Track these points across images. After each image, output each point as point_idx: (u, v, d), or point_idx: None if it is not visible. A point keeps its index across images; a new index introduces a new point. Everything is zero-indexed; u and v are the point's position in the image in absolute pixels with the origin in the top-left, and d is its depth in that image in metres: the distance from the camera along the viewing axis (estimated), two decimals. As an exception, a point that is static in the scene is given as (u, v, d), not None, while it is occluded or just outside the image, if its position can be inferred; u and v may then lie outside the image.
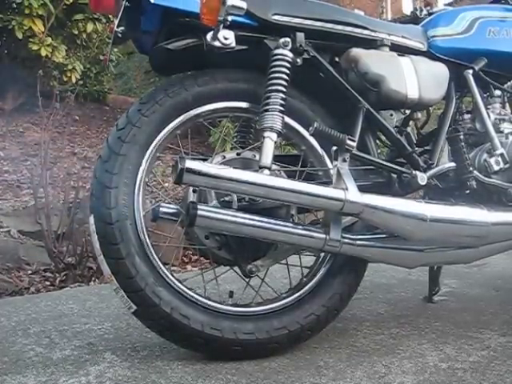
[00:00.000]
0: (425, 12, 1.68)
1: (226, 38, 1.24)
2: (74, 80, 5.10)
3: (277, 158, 1.41)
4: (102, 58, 5.47)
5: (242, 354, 1.30)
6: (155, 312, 1.24)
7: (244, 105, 1.37)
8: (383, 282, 2.10)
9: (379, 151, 1.52)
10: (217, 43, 1.24)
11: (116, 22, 1.31)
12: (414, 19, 1.68)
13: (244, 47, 1.29)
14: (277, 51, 1.32)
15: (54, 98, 3.09)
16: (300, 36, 1.34)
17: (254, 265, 1.32)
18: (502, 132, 1.52)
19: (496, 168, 1.45)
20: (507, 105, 1.62)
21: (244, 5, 1.21)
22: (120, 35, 1.33)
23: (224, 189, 1.23)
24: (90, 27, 5.06)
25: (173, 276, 1.29)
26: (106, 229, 1.22)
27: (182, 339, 1.29)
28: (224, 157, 1.36)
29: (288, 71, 1.31)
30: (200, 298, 1.29)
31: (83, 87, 5.82)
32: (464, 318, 1.63)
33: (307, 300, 1.37)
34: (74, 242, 2.51)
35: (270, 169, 1.27)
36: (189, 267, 2.80)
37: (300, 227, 1.31)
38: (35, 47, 4.67)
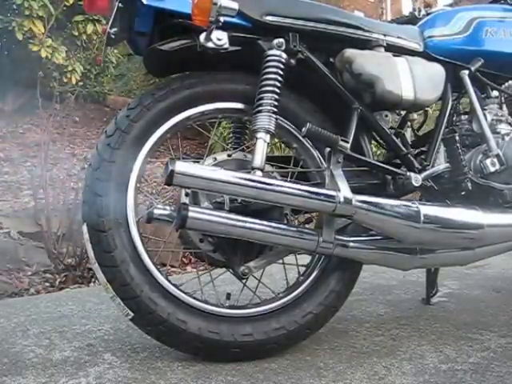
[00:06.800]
0: (423, 12, 1.68)
1: (219, 39, 1.24)
2: (74, 81, 5.11)
3: (271, 159, 1.41)
4: (100, 58, 5.47)
5: (241, 355, 1.30)
6: (152, 318, 1.24)
7: (234, 106, 1.37)
8: (383, 284, 2.10)
9: (379, 153, 1.52)
10: (210, 44, 1.24)
11: (109, 22, 1.31)
12: (411, 20, 1.68)
13: (238, 48, 1.29)
14: (270, 52, 1.31)
15: (54, 100, 3.10)
16: (294, 37, 1.34)
17: (247, 266, 1.32)
18: (498, 133, 1.52)
19: (492, 169, 1.44)
20: (504, 106, 1.61)
21: (235, 5, 1.21)
22: (113, 36, 1.33)
23: (214, 190, 1.23)
24: (90, 28, 5.06)
25: (169, 281, 1.28)
26: (99, 237, 1.22)
27: (180, 344, 1.29)
28: (215, 158, 1.35)
29: (281, 72, 1.31)
30: (197, 302, 1.29)
31: (83, 88, 5.83)
32: (464, 319, 1.63)
33: (304, 299, 1.37)
34: (74, 244, 2.51)
35: (262, 170, 1.27)
36: (188, 268, 2.80)
37: (293, 229, 1.31)
38: (35, 48, 4.68)
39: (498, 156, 1.45)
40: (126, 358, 1.33)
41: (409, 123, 1.58)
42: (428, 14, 1.66)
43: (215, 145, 2.53)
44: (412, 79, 1.41)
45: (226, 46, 1.26)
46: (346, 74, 1.41)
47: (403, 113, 1.54)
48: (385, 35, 1.47)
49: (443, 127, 1.51)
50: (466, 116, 1.59)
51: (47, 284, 2.47)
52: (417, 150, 1.55)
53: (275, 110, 1.30)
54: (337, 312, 1.41)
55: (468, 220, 1.38)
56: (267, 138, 1.29)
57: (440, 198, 1.46)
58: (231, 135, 1.56)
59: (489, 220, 1.39)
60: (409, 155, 1.46)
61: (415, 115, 1.58)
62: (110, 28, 1.31)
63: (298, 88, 1.40)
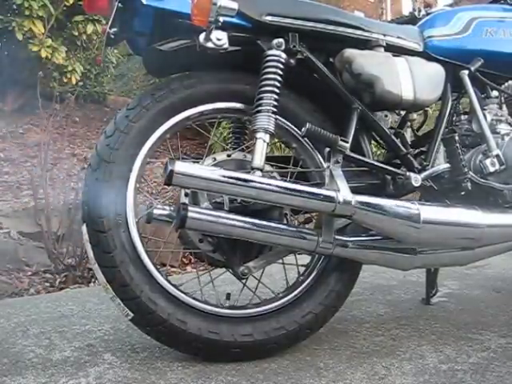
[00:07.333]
0: (423, 12, 1.68)
1: (218, 39, 1.24)
2: (74, 81, 5.11)
3: (271, 159, 1.41)
4: (99, 58, 5.48)
5: (241, 355, 1.30)
6: (152, 318, 1.24)
7: (234, 106, 1.37)
8: (383, 284, 2.10)
9: (379, 153, 1.51)
10: (210, 44, 1.24)
11: (109, 23, 1.31)
12: (411, 20, 1.68)
13: (237, 48, 1.29)
14: (270, 52, 1.31)
15: (54, 100, 3.10)
16: (293, 37, 1.34)
17: (246, 266, 1.32)
18: (498, 133, 1.52)
19: (491, 169, 1.44)
20: (504, 106, 1.61)
21: (235, 5, 1.20)
22: (113, 36, 1.33)
23: (214, 190, 1.23)
24: (90, 28, 5.07)
25: (168, 281, 1.28)
26: (99, 237, 1.22)
27: (180, 344, 1.29)
28: (215, 159, 1.35)
29: (281, 72, 1.31)
30: (196, 303, 1.29)
31: (83, 88, 5.84)
32: (464, 319, 1.63)
33: (304, 299, 1.36)
34: (74, 244, 2.51)
35: (262, 170, 1.27)
36: (188, 268, 2.80)
37: (292, 229, 1.31)
38: (35, 48, 4.68)
39: (497, 156, 1.45)
40: (126, 358, 1.33)
41: (409, 123, 1.58)
42: (428, 14, 1.66)
43: (215, 145, 2.53)
44: (412, 79, 1.41)
45: (226, 46, 1.25)
46: (345, 74, 1.41)
47: (403, 113, 1.54)
48: (384, 35, 1.46)
49: (443, 127, 1.51)
50: (466, 116, 1.59)
51: (47, 284, 2.47)
52: (416, 150, 1.55)
53: (275, 110, 1.30)
54: (337, 312, 1.41)
55: (468, 220, 1.38)
56: (267, 137, 1.28)
57: (440, 198, 1.46)
58: (231, 135, 1.56)
59: (488, 220, 1.39)
60: (408, 155, 1.46)
61: (415, 115, 1.58)
62: (110, 28, 1.31)
63: (297, 88, 1.40)
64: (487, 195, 1.47)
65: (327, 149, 1.33)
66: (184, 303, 1.27)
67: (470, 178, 1.43)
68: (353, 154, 1.35)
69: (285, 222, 1.37)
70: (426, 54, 1.52)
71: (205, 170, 1.24)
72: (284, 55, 1.32)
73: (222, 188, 1.21)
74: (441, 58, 1.52)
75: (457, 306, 1.79)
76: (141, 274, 1.24)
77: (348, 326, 1.56)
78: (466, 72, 1.51)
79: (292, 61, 1.34)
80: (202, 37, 1.24)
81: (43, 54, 4.69)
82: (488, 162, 1.45)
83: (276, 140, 1.57)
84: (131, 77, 7.68)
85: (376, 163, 1.43)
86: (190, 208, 1.20)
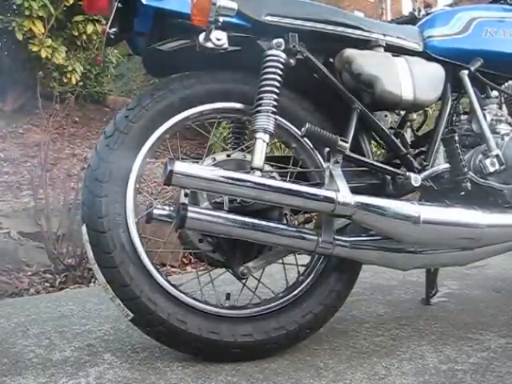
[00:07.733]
0: (423, 12, 1.68)
1: (218, 39, 1.24)
2: (74, 81, 5.12)
3: (271, 159, 1.41)
4: (99, 58, 5.49)
5: (241, 355, 1.30)
6: (152, 319, 1.24)
7: (233, 106, 1.37)
8: (383, 284, 2.10)
9: (379, 153, 1.51)
10: (209, 44, 1.24)
11: (109, 23, 1.31)
12: (411, 20, 1.68)
13: (237, 48, 1.29)
14: (270, 52, 1.31)
15: (54, 100, 3.10)
16: (293, 37, 1.34)
17: (246, 267, 1.32)
18: (497, 133, 1.52)
19: (491, 169, 1.44)
20: (504, 106, 1.61)
21: (235, 5, 1.21)
22: (113, 36, 1.33)
23: (213, 190, 1.23)
24: (90, 29, 5.08)
25: (168, 282, 1.28)
26: (99, 238, 1.22)
27: (180, 344, 1.29)
28: (214, 159, 1.36)
29: (281, 72, 1.31)
30: (196, 303, 1.29)
31: (83, 88, 5.84)
32: (464, 319, 1.63)
33: (304, 299, 1.36)
34: (74, 244, 2.51)
35: (261, 170, 1.27)
36: (188, 268, 2.80)
37: (292, 229, 1.31)
38: (35, 48, 4.69)
39: (497, 156, 1.44)
40: (126, 358, 1.33)
41: (408, 123, 1.58)
42: (428, 14, 1.66)
43: (215, 145, 2.53)
44: (412, 79, 1.41)
45: (226, 46, 1.26)
46: (345, 74, 1.41)
47: (403, 113, 1.54)
48: (384, 35, 1.46)
49: (443, 127, 1.51)
50: (466, 116, 1.59)
51: (47, 284, 2.47)
52: (416, 150, 1.55)
53: (274, 110, 1.30)
54: (336, 312, 1.41)
55: (467, 220, 1.38)
56: (266, 137, 1.28)
57: (439, 198, 1.46)
58: (231, 135, 1.56)
59: (488, 220, 1.39)
60: (408, 155, 1.46)
61: (415, 115, 1.58)
62: (110, 28, 1.31)
63: (297, 88, 1.40)
64: (487, 195, 1.47)
65: (327, 149, 1.33)
66: (184, 303, 1.27)
67: (469, 178, 1.43)
68: (353, 154, 1.35)
69: (285, 222, 1.37)
70: (426, 54, 1.52)
71: (204, 170, 1.24)
72: (284, 55, 1.32)
73: (221, 188, 1.21)
74: (441, 57, 1.52)
75: (457, 306, 1.79)
76: (141, 274, 1.24)
77: (348, 326, 1.56)
78: (466, 72, 1.51)
79: (292, 61, 1.34)
80: (201, 37, 1.24)
81: (43, 54, 4.70)
82: (488, 162, 1.45)
83: (276, 140, 1.57)
84: (131, 77, 7.69)
85: (376, 163, 1.43)
86: (189, 208, 1.20)
